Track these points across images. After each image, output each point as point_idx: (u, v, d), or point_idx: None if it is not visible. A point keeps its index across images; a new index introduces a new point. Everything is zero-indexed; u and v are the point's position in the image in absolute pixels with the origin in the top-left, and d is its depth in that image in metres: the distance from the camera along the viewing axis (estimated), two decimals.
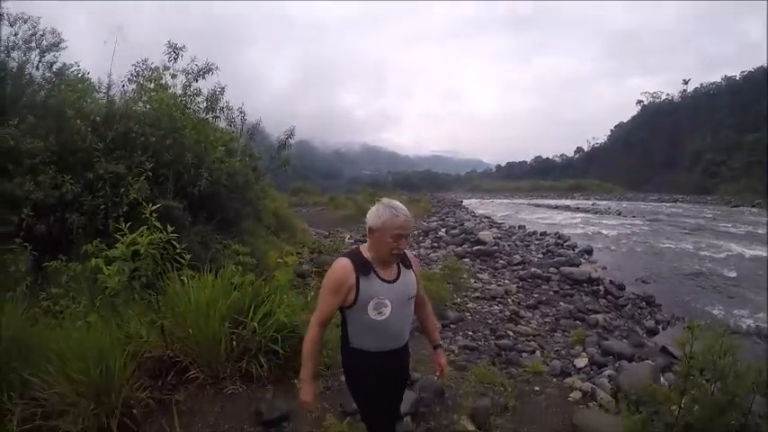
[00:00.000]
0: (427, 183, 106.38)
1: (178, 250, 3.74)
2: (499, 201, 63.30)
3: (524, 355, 6.84)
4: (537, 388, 4.66)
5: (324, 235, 16.30)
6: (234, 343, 3.58)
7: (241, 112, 8.70)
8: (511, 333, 7.90)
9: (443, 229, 20.97)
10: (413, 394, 3.72)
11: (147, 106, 6.75)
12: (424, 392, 3.88)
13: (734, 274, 14.34)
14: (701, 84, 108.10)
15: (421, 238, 19.03)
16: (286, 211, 14.13)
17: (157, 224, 3.73)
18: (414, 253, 13.89)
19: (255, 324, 3.64)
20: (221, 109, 8.04)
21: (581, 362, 6.65)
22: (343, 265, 2.22)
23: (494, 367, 5.40)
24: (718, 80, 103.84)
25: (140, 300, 3.67)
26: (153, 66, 7.35)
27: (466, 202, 49.26)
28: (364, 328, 2.26)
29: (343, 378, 3.98)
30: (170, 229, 3.82)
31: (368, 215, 2.25)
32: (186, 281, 3.75)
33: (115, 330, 3.25)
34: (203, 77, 7.67)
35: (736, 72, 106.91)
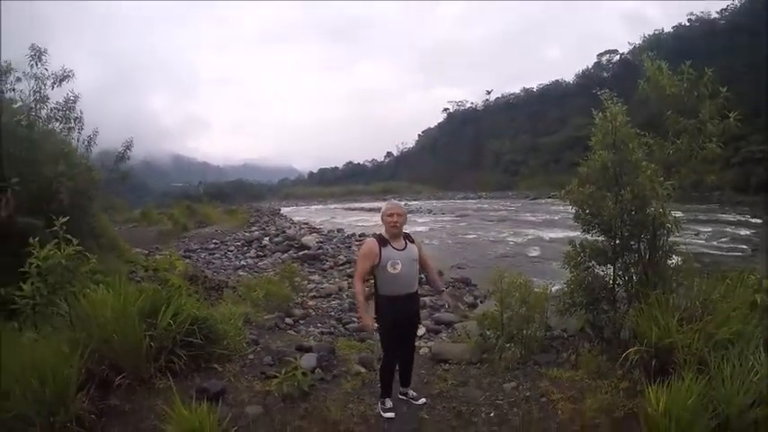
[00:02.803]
0: (241, 192, 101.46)
1: (92, 261, 4.02)
2: (314, 207, 64.78)
3: None
4: None
5: (144, 254, 15.35)
6: (151, 343, 3.88)
7: (79, 120, 7.76)
8: (355, 319, 8.95)
9: (266, 238, 21.46)
10: (314, 355, 4.78)
11: None
12: (322, 352, 4.97)
13: (537, 253, 17.64)
14: (503, 94, 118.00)
15: (245, 248, 19.30)
16: (111, 230, 13.05)
17: (69, 237, 3.87)
18: (243, 263, 15.97)
19: (170, 320, 4.02)
20: (75, 119, 7.47)
21: (420, 331, 8.17)
22: (371, 240, 3.76)
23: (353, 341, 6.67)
24: (518, 91, 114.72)
25: (56, 315, 3.82)
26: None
27: (283, 210, 49.90)
28: (386, 279, 3.69)
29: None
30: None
31: None
32: (98, 291, 3.98)
33: (55, 345, 3.43)
34: (59, 85, 7.09)
35: (533, 85, 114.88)
